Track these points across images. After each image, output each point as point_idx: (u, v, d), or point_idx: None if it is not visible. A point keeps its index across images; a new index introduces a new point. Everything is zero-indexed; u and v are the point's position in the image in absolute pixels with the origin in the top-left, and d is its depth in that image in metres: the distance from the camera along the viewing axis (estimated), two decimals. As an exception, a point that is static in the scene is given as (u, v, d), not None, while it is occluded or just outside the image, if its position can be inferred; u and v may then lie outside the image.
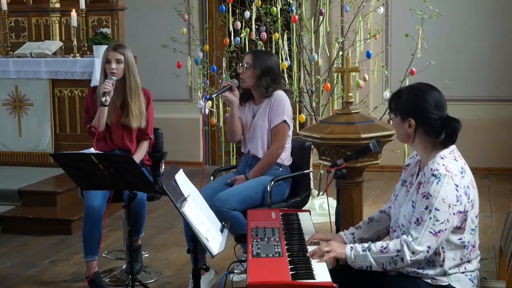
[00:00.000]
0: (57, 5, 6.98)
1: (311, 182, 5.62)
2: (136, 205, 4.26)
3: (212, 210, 3.85)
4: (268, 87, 4.27)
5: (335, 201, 3.29)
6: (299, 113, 6.15)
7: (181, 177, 3.05)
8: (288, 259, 2.66)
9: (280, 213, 3.28)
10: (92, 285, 4.26)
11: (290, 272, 2.52)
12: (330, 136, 3.93)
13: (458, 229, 2.70)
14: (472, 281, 2.76)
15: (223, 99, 6.48)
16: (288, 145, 4.36)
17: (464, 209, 2.68)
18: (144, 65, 7.05)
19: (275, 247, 2.76)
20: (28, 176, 6.36)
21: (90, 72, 6.41)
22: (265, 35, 6.16)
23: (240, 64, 4.39)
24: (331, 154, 3.98)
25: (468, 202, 2.69)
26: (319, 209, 5.94)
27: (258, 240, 2.85)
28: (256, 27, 6.23)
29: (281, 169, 4.31)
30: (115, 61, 4.40)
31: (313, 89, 6.30)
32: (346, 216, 3.88)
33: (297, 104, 6.21)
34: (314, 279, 2.49)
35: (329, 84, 6.13)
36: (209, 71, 6.73)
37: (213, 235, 2.97)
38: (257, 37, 6.19)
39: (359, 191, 4.10)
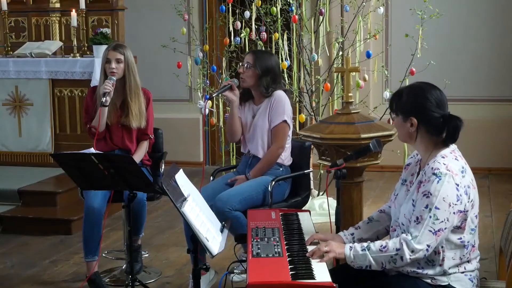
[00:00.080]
0: (57, 5, 6.98)
1: (311, 182, 5.62)
2: (136, 205, 4.26)
3: (213, 210, 3.86)
4: (268, 87, 4.27)
5: (335, 201, 3.29)
6: (299, 113, 6.15)
7: (181, 177, 3.05)
8: (288, 259, 2.66)
9: (280, 213, 3.28)
10: (92, 285, 4.26)
11: (290, 272, 2.52)
12: (330, 136, 3.93)
13: (458, 229, 2.70)
14: (472, 281, 2.76)
15: (223, 99, 6.48)
16: (288, 145, 4.36)
17: (464, 209, 2.68)
18: (144, 65, 7.05)
19: (275, 247, 2.76)
20: (28, 176, 6.37)
21: (90, 72, 6.41)
22: (265, 35, 6.16)
23: (241, 64, 4.39)
24: (331, 154, 3.98)
25: (468, 202, 2.69)
26: (319, 209, 5.94)
27: (258, 240, 2.85)
28: (256, 27, 6.24)
29: (281, 169, 4.32)
30: (115, 61, 4.40)
31: (313, 89, 6.30)
32: (346, 216, 3.88)
33: (297, 104, 6.21)
34: (314, 279, 2.49)
35: (329, 84, 6.13)
36: (209, 71, 6.74)
37: (213, 235, 2.97)
38: (257, 37, 6.19)
39: (359, 191, 4.10)
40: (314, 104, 6.27)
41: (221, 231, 3.13)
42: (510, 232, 2.99)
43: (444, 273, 2.72)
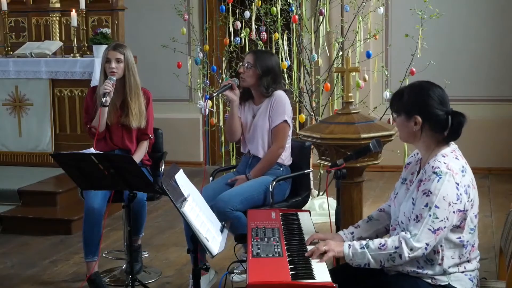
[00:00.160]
0: (57, 5, 6.98)
1: (311, 182, 5.62)
2: (136, 205, 4.26)
3: (215, 210, 3.86)
4: (269, 87, 4.27)
5: (335, 201, 3.29)
6: (299, 113, 6.15)
7: (181, 177, 3.05)
8: (288, 259, 2.66)
9: (280, 213, 3.28)
10: (92, 285, 4.26)
11: (290, 272, 2.52)
12: (330, 136, 3.93)
13: (457, 228, 2.70)
14: (472, 281, 2.76)
15: (223, 99, 6.48)
16: (288, 145, 4.36)
17: (464, 208, 2.68)
18: (144, 65, 7.05)
19: (275, 247, 2.76)
20: (28, 176, 6.37)
21: (90, 72, 6.41)
22: (265, 35, 6.16)
23: (241, 64, 4.39)
24: (331, 154, 3.98)
25: (468, 201, 2.69)
26: (319, 209, 5.94)
27: (258, 240, 2.85)
28: (256, 27, 6.23)
29: (281, 169, 4.32)
30: (115, 61, 4.40)
31: (313, 89, 6.30)
32: (346, 216, 3.88)
33: (297, 104, 6.21)
34: (314, 279, 2.49)
35: (329, 84, 6.13)
36: (209, 71, 6.73)
37: (213, 235, 2.97)
38: (257, 37, 6.19)
39: (359, 191, 4.09)
40: (314, 104, 6.27)
41: (221, 231, 3.13)
42: (510, 232, 2.99)
43: (444, 273, 2.72)
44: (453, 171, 2.66)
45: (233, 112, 4.33)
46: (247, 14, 6.20)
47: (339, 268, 2.99)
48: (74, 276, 4.70)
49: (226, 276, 3.25)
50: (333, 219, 3.19)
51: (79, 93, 6.61)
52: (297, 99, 6.21)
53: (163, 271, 4.73)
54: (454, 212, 2.65)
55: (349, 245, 2.73)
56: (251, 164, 4.34)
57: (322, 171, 5.93)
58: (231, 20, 6.36)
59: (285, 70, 6.01)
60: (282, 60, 5.99)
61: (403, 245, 2.64)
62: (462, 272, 2.75)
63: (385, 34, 7.47)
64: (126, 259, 4.38)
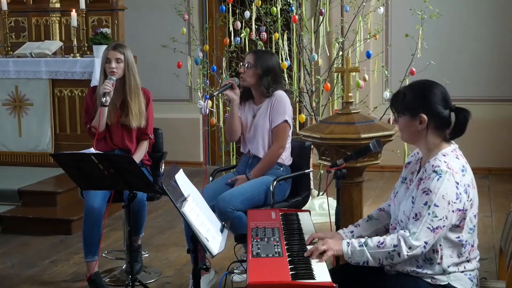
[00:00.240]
0: (57, 5, 6.98)
1: (311, 182, 5.62)
2: (136, 205, 4.26)
3: (216, 210, 3.88)
4: (269, 87, 4.27)
5: (335, 201, 3.29)
6: (299, 113, 6.15)
7: (181, 177, 3.05)
8: (288, 259, 2.66)
9: (280, 213, 3.28)
10: (92, 285, 4.26)
11: (290, 272, 2.52)
12: (330, 136, 3.93)
13: (456, 228, 2.70)
14: (472, 280, 2.77)
15: (223, 99, 6.49)
16: (288, 145, 4.37)
17: (463, 208, 2.68)
18: (144, 65, 7.05)
19: (275, 247, 2.76)
20: (28, 176, 6.37)
21: (90, 72, 6.41)
22: (265, 35, 6.15)
23: (241, 64, 4.39)
24: (331, 154, 3.98)
25: (467, 201, 2.69)
26: (319, 209, 5.94)
27: (258, 240, 2.85)
28: (256, 27, 6.23)
29: (281, 168, 4.32)
30: (115, 61, 4.39)
31: (313, 89, 6.30)
32: (346, 216, 3.88)
33: (297, 104, 6.21)
34: (314, 279, 2.48)
35: (329, 84, 6.13)
36: (209, 71, 6.73)
37: (213, 235, 2.97)
38: (257, 37, 6.19)
39: (359, 191, 4.10)
40: (314, 104, 6.27)
41: (221, 231, 3.13)
42: (510, 232, 2.99)
43: (444, 272, 2.72)
44: (453, 170, 2.66)
45: (233, 112, 4.33)
46: (247, 14, 6.20)
47: (339, 268, 2.99)
48: (74, 276, 4.71)
49: (226, 276, 3.25)
50: (333, 219, 3.19)
51: (79, 93, 6.61)
52: (297, 99, 6.21)
53: (163, 271, 4.73)
54: (453, 211, 2.65)
55: (347, 243, 2.73)
56: (251, 164, 4.34)
57: (322, 171, 5.93)
58: (231, 20, 6.36)
59: (285, 70, 6.01)
60: (282, 60, 5.99)
61: (402, 243, 2.64)
62: (462, 272, 2.75)
63: (385, 34, 7.47)
64: (126, 259, 4.38)
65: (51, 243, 5.44)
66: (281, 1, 6.09)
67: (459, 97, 7.04)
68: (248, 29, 6.24)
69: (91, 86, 5.82)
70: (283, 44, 6.12)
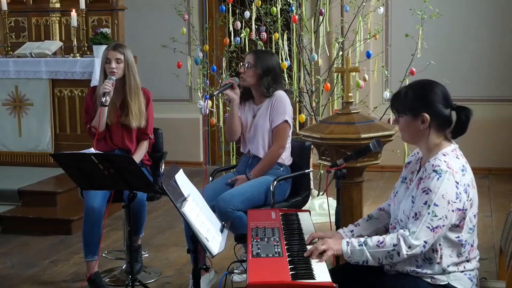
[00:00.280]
0: (57, 5, 6.98)
1: (311, 182, 5.62)
2: (136, 205, 4.26)
3: (216, 210, 3.88)
4: (269, 87, 4.27)
5: (335, 201, 3.29)
6: (299, 113, 6.15)
7: (181, 177, 3.05)
8: (288, 259, 2.66)
9: (280, 213, 3.28)
10: (92, 285, 4.26)
11: (290, 272, 2.52)
12: (330, 136, 3.93)
13: (456, 227, 2.70)
14: (472, 280, 2.77)
15: (223, 99, 6.49)
16: (288, 145, 4.37)
17: (463, 207, 2.68)
18: (144, 65, 7.05)
19: (275, 247, 2.76)
20: (28, 176, 6.37)
21: (90, 72, 6.41)
22: (265, 35, 6.15)
23: (241, 64, 4.39)
24: (331, 154, 3.98)
25: (467, 200, 2.69)
26: (319, 209, 5.94)
27: (258, 240, 2.85)
28: (256, 27, 6.23)
29: (281, 168, 4.32)
30: (115, 61, 4.39)
31: (313, 89, 6.30)
32: (346, 216, 3.88)
33: (297, 104, 6.21)
34: (314, 279, 2.48)
35: (329, 84, 6.13)
36: (209, 71, 6.74)
37: (213, 235, 2.97)
38: (257, 37, 6.19)
39: (359, 191, 4.10)
40: (314, 104, 6.27)
41: (221, 231, 3.13)
42: (510, 232, 2.99)
43: (443, 272, 2.72)
44: (453, 169, 2.66)
45: (233, 112, 4.33)
46: (247, 14, 6.20)
47: (339, 268, 2.99)
48: (74, 276, 4.71)
49: (226, 276, 3.25)
50: (333, 219, 3.19)
51: (79, 93, 6.61)
52: (297, 99, 6.21)
53: (163, 271, 4.73)
54: (453, 210, 2.65)
55: (347, 242, 2.73)
56: (251, 164, 4.34)
57: (322, 171, 5.93)
58: (231, 20, 6.36)
59: (285, 70, 6.01)
60: (282, 60, 5.99)
61: (401, 242, 2.64)
62: (462, 271, 2.75)
63: (385, 34, 7.47)
64: (126, 259, 4.38)
65: (51, 243, 5.44)
66: (281, 1, 6.09)
67: (459, 97, 7.02)
68: (248, 29, 6.24)
69: (91, 86, 5.82)
70: (283, 44, 6.12)
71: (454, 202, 2.64)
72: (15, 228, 5.72)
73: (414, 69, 5.94)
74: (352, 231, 3.01)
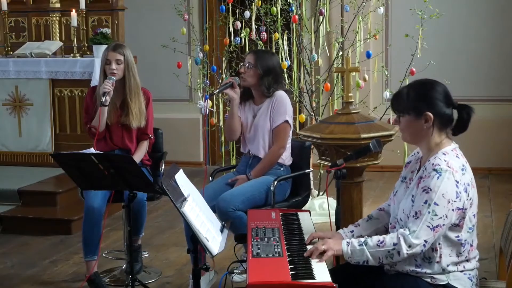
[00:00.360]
0: (57, 5, 6.98)
1: (311, 182, 5.62)
2: (136, 205, 4.26)
3: (216, 210, 3.88)
4: (270, 87, 4.27)
5: (335, 201, 3.29)
6: (299, 113, 6.15)
7: (181, 177, 3.05)
8: (288, 259, 2.66)
9: (280, 213, 3.28)
10: (92, 285, 4.26)
11: (290, 272, 2.52)
12: (330, 136, 3.93)
13: (456, 227, 2.70)
14: (471, 280, 2.77)
15: (223, 99, 6.49)
16: (289, 145, 4.37)
17: (463, 206, 2.68)
18: (144, 65, 7.05)
19: (275, 247, 2.76)
20: (28, 176, 6.37)
21: (90, 72, 6.41)
22: (265, 35, 6.15)
23: (242, 64, 4.39)
24: (331, 154, 3.98)
25: (467, 200, 2.69)
26: (319, 209, 5.94)
27: (258, 240, 2.85)
28: (256, 27, 6.23)
29: (282, 168, 4.32)
30: (115, 62, 4.39)
31: (313, 89, 6.30)
32: (346, 216, 3.88)
33: (297, 104, 6.21)
34: (314, 279, 2.48)
35: (329, 84, 6.13)
36: (209, 71, 6.73)
37: (213, 235, 2.97)
38: (257, 37, 6.19)
39: (359, 191, 4.10)
40: (314, 104, 6.27)
41: (221, 231, 3.13)
42: (510, 232, 2.99)
43: (443, 271, 2.72)
44: (453, 169, 2.66)
45: (233, 111, 4.32)
46: (247, 14, 6.20)
47: (339, 268, 2.99)
48: (74, 276, 4.70)
49: (226, 276, 3.25)
50: (333, 219, 3.19)
51: (79, 93, 6.61)
52: (297, 99, 6.21)
53: (163, 271, 4.73)
54: (453, 210, 2.65)
55: (347, 242, 2.73)
56: (251, 164, 4.34)
57: (322, 171, 5.93)
58: (231, 20, 6.36)
59: (285, 70, 6.00)
60: (282, 60, 5.99)
61: (402, 241, 2.64)
62: (461, 271, 2.75)
63: (385, 34, 7.47)
64: (126, 259, 4.38)
65: (51, 243, 5.44)
66: (281, 1, 6.09)
67: (459, 97, 6.96)
68: (248, 29, 6.24)
69: (91, 86, 5.82)
70: (283, 44, 6.12)
71: (454, 201, 2.64)
72: (15, 228, 5.72)
73: (414, 69, 5.93)
74: (352, 231, 3.01)
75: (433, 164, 2.69)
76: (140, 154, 4.53)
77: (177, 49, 6.68)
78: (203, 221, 2.96)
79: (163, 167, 4.64)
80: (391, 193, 3.01)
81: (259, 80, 4.27)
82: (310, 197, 5.59)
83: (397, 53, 7.19)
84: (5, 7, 6.90)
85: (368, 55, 6.06)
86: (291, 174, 4.33)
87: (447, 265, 2.72)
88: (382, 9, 6.23)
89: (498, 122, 7.39)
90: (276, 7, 6.09)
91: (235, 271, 4.28)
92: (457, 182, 2.65)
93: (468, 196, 2.70)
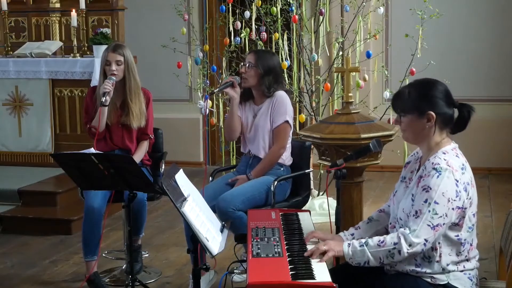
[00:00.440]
0: (57, 5, 6.98)
1: (311, 182, 5.62)
2: (136, 205, 4.26)
3: (217, 210, 3.87)
4: (270, 87, 4.27)
5: (335, 201, 3.29)
6: (299, 113, 6.15)
7: (181, 177, 3.05)
8: (288, 259, 2.66)
9: (280, 213, 3.28)
10: (92, 285, 4.26)
11: (290, 272, 2.52)
12: (330, 136, 3.93)
13: (456, 226, 2.70)
14: (471, 280, 2.77)
15: (223, 99, 6.49)
16: (289, 145, 4.36)
17: (463, 205, 2.68)
18: (144, 65, 7.05)
19: (275, 247, 2.76)
20: (28, 176, 6.36)
21: (90, 72, 6.41)
22: (265, 35, 6.15)
23: (242, 64, 4.39)
24: (331, 154, 3.98)
25: (467, 199, 2.69)
26: (319, 209, 5.94)
27: (258, 240, 2.85)
28: (256, 27, 6.23)
29: (282, 168, 4.32)
30: (115, 63, 4.38)
31: (313, 89, 6.30)
32: (346, 216, 3.88)
33: (297, 104, 6.21)
34: (314, 279, 2.48)
35: (329, 84, 6.13)
36: (209, 71, 6.74)
37: (213, 235, 2.97)
38: (257, 37, 6.19)
39: (359, 191, 4.10)
40: (314, 104, 6.27)
41: (221, 231, 3.13)
42: (510, 232, 2.99)
43: (443, 271, 2.72)
44: (453, 168, 2.67)
45: (233, 110, 4.32)
46: (247, 14, 6.20)
47: (339, 268, 2.99)
48: (74, 276, 4.70)
49: (226, 276, 3.24)
50: (333, 219, 3.19)
51: (79, 93, 6.61)
52: (297, 99, 6.21)
53: (163, 271, 4.73)
54: (453, 209, 2.65)
55: (348, 244, 2.74)
56: (251, 164, 4.34)
57: (322, 171, 5.93)
58: (231, 20, 6.36)
59: (285, 70, 6.00)
60: (282, 60, 5.98)
61: (402, 240, 2.64)
62: (461, 271, 2.75)
63: (385, 34, 7.47)
64: (126, 259, 4.38)
65: (51, 243, 5.44)
66: (281, 1, 6.09)
67: (459, 97, 6.94)
68: (248, 29, 6.24)
69: (91, 86, 5.82)
70: (283, 44, 6.12)
71: (454, 200, 2.65)
72: (15, 228, 5.72)
73: (414, 69, 5.93)
74: (352, 234, 3.01)
75: (433, 163, 2.69)
76: (140, 154, 4.53)
77: (177, 49, 6.68)
78: (203, 221, 2.96)
79: (163, 167, 4.64)
80: (391, 193, 3.01)
81: (259, 80, 4.27)
82: (310, 197, 5.59)
83: (397, 53, 7.19)
84: (5, 7, 6.90)
85: (368, 55, 6.06)
86: (291, 174, 4.33)
87: (447, 265, 2.72)
88: (382, 9, 6.23)
89: (498, 122, 7.39)
90: (276, 7, 6.09)
91: (235, 271, 4.28)
92: (457, 181, 2.66)
93: (468, 195, 2.70)
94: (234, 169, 4.55)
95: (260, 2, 6.19)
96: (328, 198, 4.38)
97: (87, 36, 6.78)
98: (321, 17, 6.24)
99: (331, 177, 3.37)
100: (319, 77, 6.30)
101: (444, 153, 2.73)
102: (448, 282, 2.72)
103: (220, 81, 6.38)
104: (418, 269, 2.73)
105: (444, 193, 2.63)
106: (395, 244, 2.65)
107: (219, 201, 4.00)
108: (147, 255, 5.00)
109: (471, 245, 2.77)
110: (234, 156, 6.51)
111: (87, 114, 4.54)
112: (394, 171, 6.67)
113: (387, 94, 6.10)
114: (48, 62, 6.61)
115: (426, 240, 2.64)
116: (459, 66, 7.44)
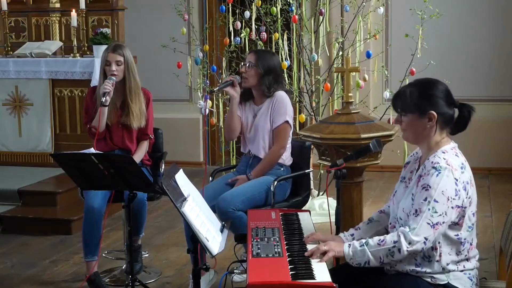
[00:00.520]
0: (57, 5, 6.98)
1: (311, 182, 5.62)
2: (136, 205, 4.26)
3: (216, 210, 3.87)
4: (270, 87, 4.27)
5: (335, 201, 3.29)
6: (299, 113, 6.15)
7: (181, 177, 3.05)
8: (288, 259, 2.66)
9: (280, 213, 3.28)
10: (92, 285, 4.26)
11: (290, 272, 2.52)
12: (330, 136, 3.93)
13: (455, 225, 2.70)
14: (471, 280, 2.77)
15: (223, 99, 6.49)
16: (289, 145, 4.37)
17: (462, 204, 2.68)
18: (144, 65, 7.05)
19: (275, 247, 2.76)
20: (28, 176, 6.37)
21: (90, 72, 6.41)
22: (265, 35, 6.15)
23: (242, 64, 4.39)
24: (331, 154, 3.98)
25: (466, 198, 2.70)
26: (319, 209, 5.94)
27: (258, 240, 2.85)
28: (256, 27, 6.23)
29: (282, 169, 4.32)
30: (115, 63, 4.38)
31: (313, 89, 6.30)
32: (346, 216, 3.88)
33: (297, 104, 6.21)
34: (314, 279, 2.48)
35: (329, 84, 6.13)
36: (209, 71, 6.74)
37: (213, 235, 2.97)
38: (257, 37, 6.19)
39: (359, 191, 4.10)
40: (314, 104, 6.27)
41: (221, 231, 3.13)
42: (510, 232, 2.99)
43: (443, 271, 2.72)
44: (452, 166, 2.67)
45: (232, 110, 4.32)
46: (247, 14, 6.20)
47: (339, 268, 2.99)
48: (74, 276, 4.71)
49: (226, 276, 3.24)
50: (333, 219, 3.19)
51: (79, 93, 6.61)
52: (297, 99, 6.21)
53: (163, 271, 4.73)
54: (452, 207, 2.65)
55: (349, 244, 2.74)
56: (251, 164, 4.34)
57: (322, 171, 5.93)
58: (231, 20, 6.36)
59: (285, 70, 6.00)
60: (282, 60, 5.98)
61: (402, 239, 2.64)
62: (461, 271, 2.75)
63: (385, 34, 7.47)
64: (126, 259, 4.38)
65: (51, 243, 5.44)
66: (281, 1, 6.09)
67: (459, 97, 6.93)
68: (248, 29, 6.24)
69: (91, 86, 5.82)
70: (283, 44, 6.12)
71: (454, 199, 2.65)
72: (15, 228, 5.72)
73: (414, 69, 5.93)
74: (352, 235, 3.01)
75: (432, 162, 2.70)
76: (140, 154, 4.53)
77: (177, 49, 6.68)
78: (203, 221, 2.96)
79: (163, 167, 4.64)
80: (391, 194, 3.01)
81: (259, 79, 4.27)
82: (310, 197, 5.59)
83: (397, 53, 7.19)
84: (5, 7, 6.90)
85: (368, 55, 6.06)
86: (291, 174, 4.33)
87: (447, 264, 2.72)
88: (382, 9, 6.23)
89: (498, 122, 7.39)
90: (276, 7, 6.09)
91: (235, 271, 4.28)
92: (456, 180, 2.66)
93: (467, 194, 2.70)
94: (234, 169, 4.55)
95: (260, 2, 6.19)
96: (328, 198, 4.38)
97: (87, 36, 6.78)
98: (321, 17, 6.24)
99: (331, 177, 3.37)
100: (319, 77, 6.30)
101: (443, 152, 2.73)
102: (448, 282, 2.72)
103: (220, 81, 6.38)
104: (418, 269, 2.73)
105: (444, 191, 2.63)
106: (395, 242, 2.66)
107: (219, 201, 4.00)
108: (147, 255, 5.00)
109: (471, 244, 2.77)
110: (234, 156, 6.51)
111: (87, 114, 4.54)
112: (394, 171, 6.66)
113: (387, 94, 6.10)
114: (48, 62, 6.61)
115: (426, 239, 2.64)
116: (459, 66, 7.44)
